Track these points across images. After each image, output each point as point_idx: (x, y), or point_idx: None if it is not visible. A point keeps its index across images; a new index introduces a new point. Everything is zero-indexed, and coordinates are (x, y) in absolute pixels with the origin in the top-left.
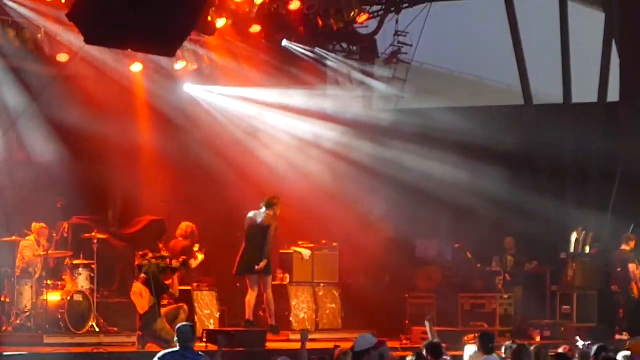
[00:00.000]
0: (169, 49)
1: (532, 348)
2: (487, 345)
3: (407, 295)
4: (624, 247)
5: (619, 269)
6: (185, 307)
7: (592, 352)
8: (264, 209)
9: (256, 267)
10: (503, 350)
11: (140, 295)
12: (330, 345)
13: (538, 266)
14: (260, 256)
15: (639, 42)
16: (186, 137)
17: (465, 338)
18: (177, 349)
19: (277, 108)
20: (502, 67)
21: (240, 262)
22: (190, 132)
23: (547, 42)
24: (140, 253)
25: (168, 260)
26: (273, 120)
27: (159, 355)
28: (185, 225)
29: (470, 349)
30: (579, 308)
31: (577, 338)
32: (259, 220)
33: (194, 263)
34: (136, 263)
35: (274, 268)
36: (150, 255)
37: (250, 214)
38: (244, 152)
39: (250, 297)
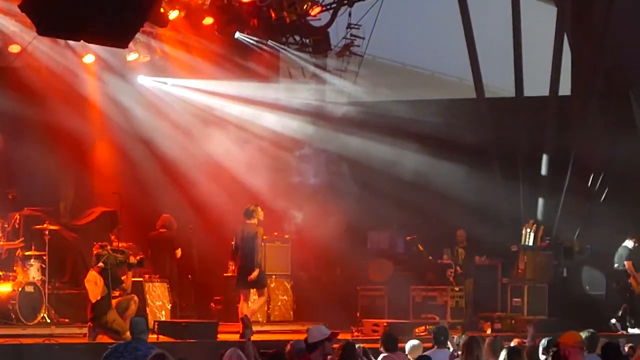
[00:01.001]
0: (122, 40)
1: (487, 339)
2: (438, 338)
3: (358, 288)
4: (626, 243)
5: (616, 265)
6: (136, 298)
7: (543, 345)
8: (247, 221)
9: (249, 278)
10: (454, 341)
11: (94, 284)
12: (282, 337)
13: (488, 259)
14: (252, 266)
15: (590, 35)
16: (138, 128)
17: (417, 330)
18: (129, 340)
19: (229, 100)
20: (454, 60)
21: (238, 276)
22: (142, 123)
23: (499, 36)
24: (100, 243)
25: (130, 257)
26: (226, 112)
27: (112, 347)
28: (165, 217)
29: (410, 343)
30: (529, 300)
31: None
32: (246, 232)
33: (178, 253)
34: (94, 252)
35: (226, 260)
36: (110, 247)
37: (238, 229)
38: (197, 143)
39: (242, 308)
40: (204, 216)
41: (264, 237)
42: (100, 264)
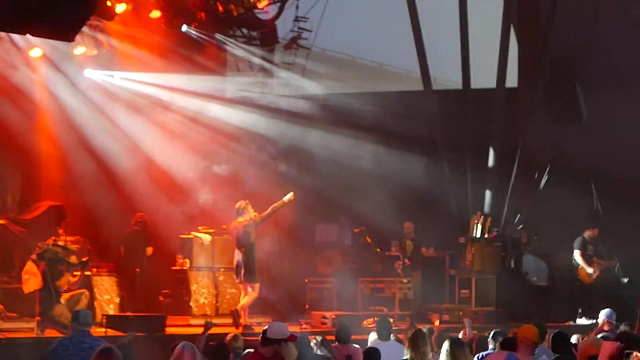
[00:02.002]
0: (68, 34)
1: (435, 332)
2: (381, 331)
3: (306, 280)
4: (586, 234)
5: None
6: (87, 292)
7: (489, 337)
8: (239, 218)
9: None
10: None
11: (32, 275)
12: (230, 330)
13: (436, 251)
14: (251, 262)
15: (537, 27)
16: (84, 123)
17: (365, 322)
18: (75, 333)
19: (177, 93)
20: (401, 52)
21: (237, 271)
22: (88, 118)
23: (446, 28)
24: (54, 238)
25: (71, 256)
26: (173, 105)
27: (58, 340)
28: (139, 215)
29: (373, 335)
30: (477, 292)
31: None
32: (239, 230)
33: (149, 250)
34: (38, 244)
35: (174, 253)
36: (55, 241)
37: (232, 228)
38: (144, 137)
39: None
40: (150, 211)
41: (212, 230)
42: (34, 256)
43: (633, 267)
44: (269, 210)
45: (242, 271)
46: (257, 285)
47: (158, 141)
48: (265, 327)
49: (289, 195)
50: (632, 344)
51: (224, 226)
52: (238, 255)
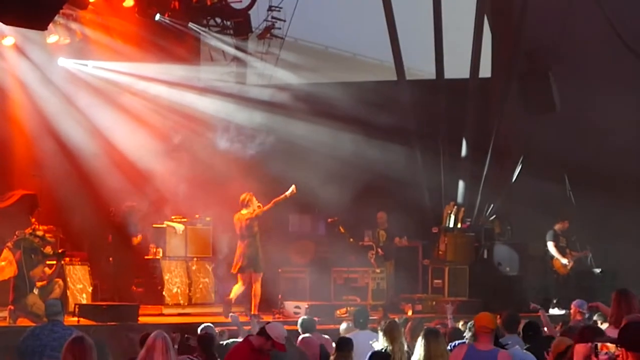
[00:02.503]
0: (41, 22)
1: (409, 322)
2: (358, 320)
3: (280, 270)
4: (557, 226)
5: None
6: (61, 282)
7: (466, 327)
8: (242, 210)
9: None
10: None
11: (8, 263)
12: (204, 319)
13: (408, 241)
14: (255, 253)
15: (510, 18)
16: (57, 112)
17: (338, 312)
18: (46, 323)
19: (150, 82)
20: (375, 42)
21: (240, 261)
22: (60, 107)
23: (420, 18)
24: (33, 227)
25: (47, 247)
26: (147, 94)
27: (29, 329)
28: (127, 205)
29: (344, 325)
30: (450, 282)
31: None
32: (243, 221)
33: (135, 240)
34: (16, 232)
35: (147, 243)
36: (33, 231)
37: (235, 220)
38: (115, 126)
39: (238, 290)
40: (121, 201)
41: (185, 219)
42: (10, 244)
43: (606, 258)
44: (270, 203)
45: (245, 262)
46: (260, 275)
47: (128, 130)
48: (270, 321)
49: (291, 189)
50: (597, 337)
51: (197, 215)
52: (241, 247)
